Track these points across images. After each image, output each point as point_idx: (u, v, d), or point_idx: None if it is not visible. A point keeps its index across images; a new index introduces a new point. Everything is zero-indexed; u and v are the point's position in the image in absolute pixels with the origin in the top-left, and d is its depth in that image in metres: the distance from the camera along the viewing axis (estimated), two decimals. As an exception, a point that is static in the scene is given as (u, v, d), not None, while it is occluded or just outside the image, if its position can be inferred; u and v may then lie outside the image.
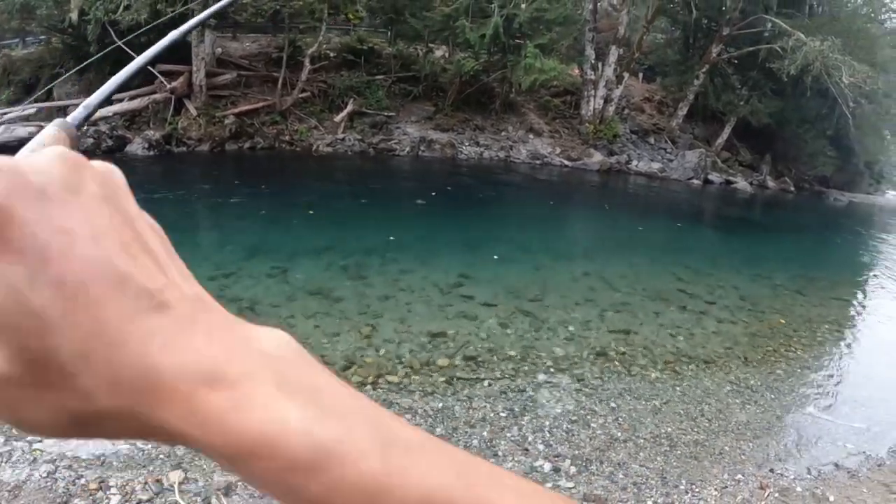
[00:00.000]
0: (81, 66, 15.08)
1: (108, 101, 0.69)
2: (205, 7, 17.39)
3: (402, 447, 0.31)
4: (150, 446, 4.04)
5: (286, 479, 0.28)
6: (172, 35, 0.83)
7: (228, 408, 0.27)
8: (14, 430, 4.03)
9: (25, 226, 0.26)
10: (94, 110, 0.62)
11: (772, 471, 4.48)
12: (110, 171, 0.32)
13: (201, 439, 0.28)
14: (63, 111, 16.50)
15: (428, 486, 0.30)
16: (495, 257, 9.81)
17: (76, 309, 0.26)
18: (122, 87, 0.74)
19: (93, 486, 3.61)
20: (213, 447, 0.28)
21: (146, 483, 3.67)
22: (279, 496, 0.29)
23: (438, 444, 0.33)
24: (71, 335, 0.26)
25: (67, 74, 16.35)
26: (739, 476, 4.34)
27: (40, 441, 3.96)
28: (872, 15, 28.07)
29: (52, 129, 0.52)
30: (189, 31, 0.88)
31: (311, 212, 12.16)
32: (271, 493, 0.29)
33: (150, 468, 3.82)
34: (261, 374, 0.29)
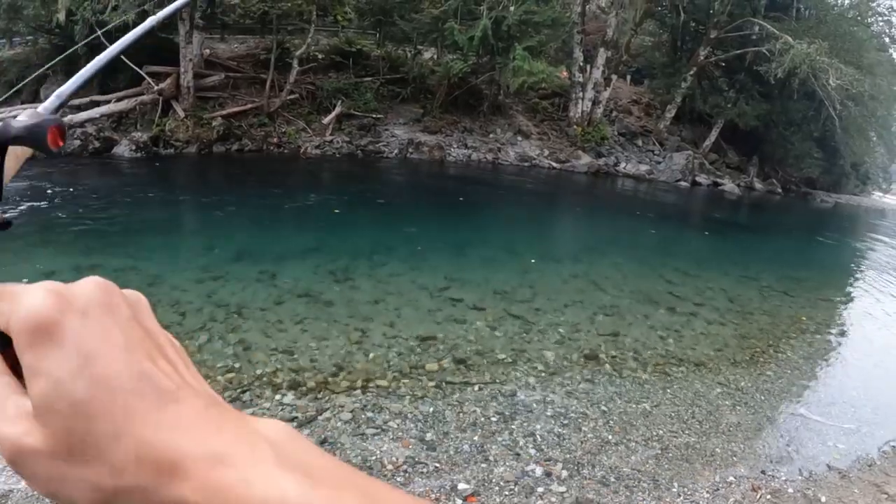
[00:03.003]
0: (54, 59, 14.93)
1: (81, 89, 0.69)
2: (193, 8, 17.40)
3: None
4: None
5: None
6: (146, 24, 0.84)
7: (236, 483, 0.32)
8: None
9: (72, 334, 0.34)
10: (68, 99, 0.63)
11: (763, 472, 4.47)
12: (137, 297, 0.40)
13: None
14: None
15: None
16: (533, 261, 9.94)
17: (111, 400, 0.33)
18: (97, 76, 0.75)
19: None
20: None
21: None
22: None
23: None
24: (106, 420, 0.32)
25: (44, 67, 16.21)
26: (731, 478, 4.33)
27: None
28: (859, 18, 28.29)
29: (24, 117, 0.56)
30: (163, 21, 0.88)
31: (336, 211, 12.26)
32: None
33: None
34: (262, 454, 0.34)
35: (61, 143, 0.57)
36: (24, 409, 0.34)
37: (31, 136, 0.55)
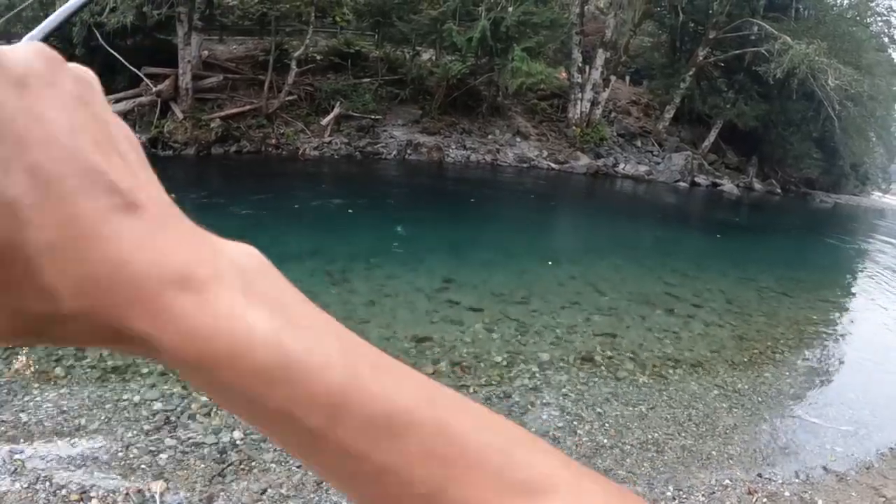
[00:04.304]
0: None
1: (63, 26, 0.64)
2: (191, 9, 17.39)
3: (369, 363, 0.32)
4: (132, 455, 3.97)
5: (248, 389, 0.28)
6: None
7: (195, 310, 0.27)
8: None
9: (3, 111, 0.25)
10: (47, 36, 0.58)
11: (760, 475, 4.44)
12: (85, 73, 0.31)
13: (165, 344, 0.27)
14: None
15: (392, 402, 0.31)
16: (549, 263, 9.94)
17: (49, 199, 0.25)
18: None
19: (74, 497, 3.54)
20: (176, 352, 0.27)
21: (128, 494, 3.60)
22: (238, 408, 0.30)
23: (405, 367, 0.34)
24: (41, 226, 0.25)
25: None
26: (727, 481, 4.30)
27: (22, 451, 3.89)
28: (858, 18, 28.28)
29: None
30: None
31: (350, 211, 12.40)
32: (230, 405, 0.30)
33: (132, 478, 3.75)
34: (229, 280, 0.28)
35: None
36: None
37: None
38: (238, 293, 0.28)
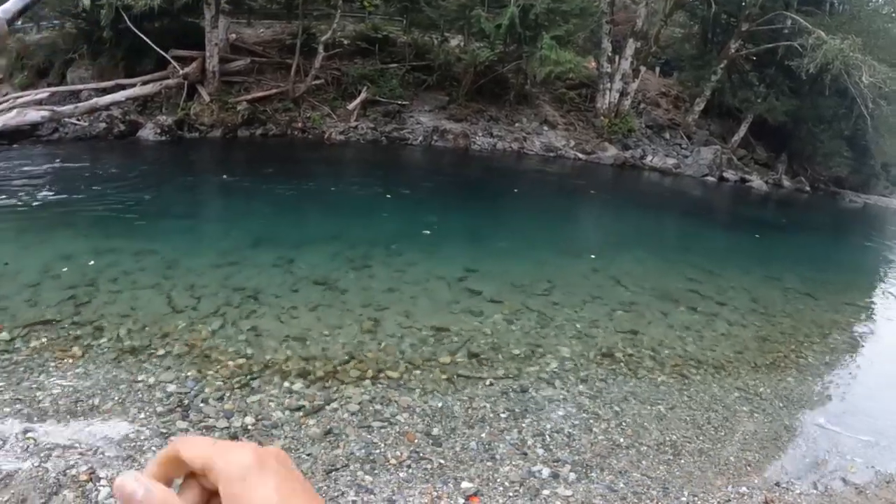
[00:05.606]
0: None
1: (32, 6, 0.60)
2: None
3: None
4: (143, 437, 4.00)
5: None
6: None
7: None
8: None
9: (272, 478, 0.51)
10: (32, 4, 0.56)
11: (778, 484, 4.35)
12: (280, 451, 0.55)
13: None
14: (76, 95, 16.51)
15: None
16: (592, 257, 9.74)
17: None
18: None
19: (83, 477, 3.59)
20: None
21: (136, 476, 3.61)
22: None
23: None
24: None
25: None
26: (744, 489, 4.22)
27: (34, 429, 3.93)
28: (894, 14, 27.59)
29: None
30: None
31: (388, 196, 12.45)
32: None
33: (142, 460, 3.77)
34: None
35: None
36: None
37: None
38: None
